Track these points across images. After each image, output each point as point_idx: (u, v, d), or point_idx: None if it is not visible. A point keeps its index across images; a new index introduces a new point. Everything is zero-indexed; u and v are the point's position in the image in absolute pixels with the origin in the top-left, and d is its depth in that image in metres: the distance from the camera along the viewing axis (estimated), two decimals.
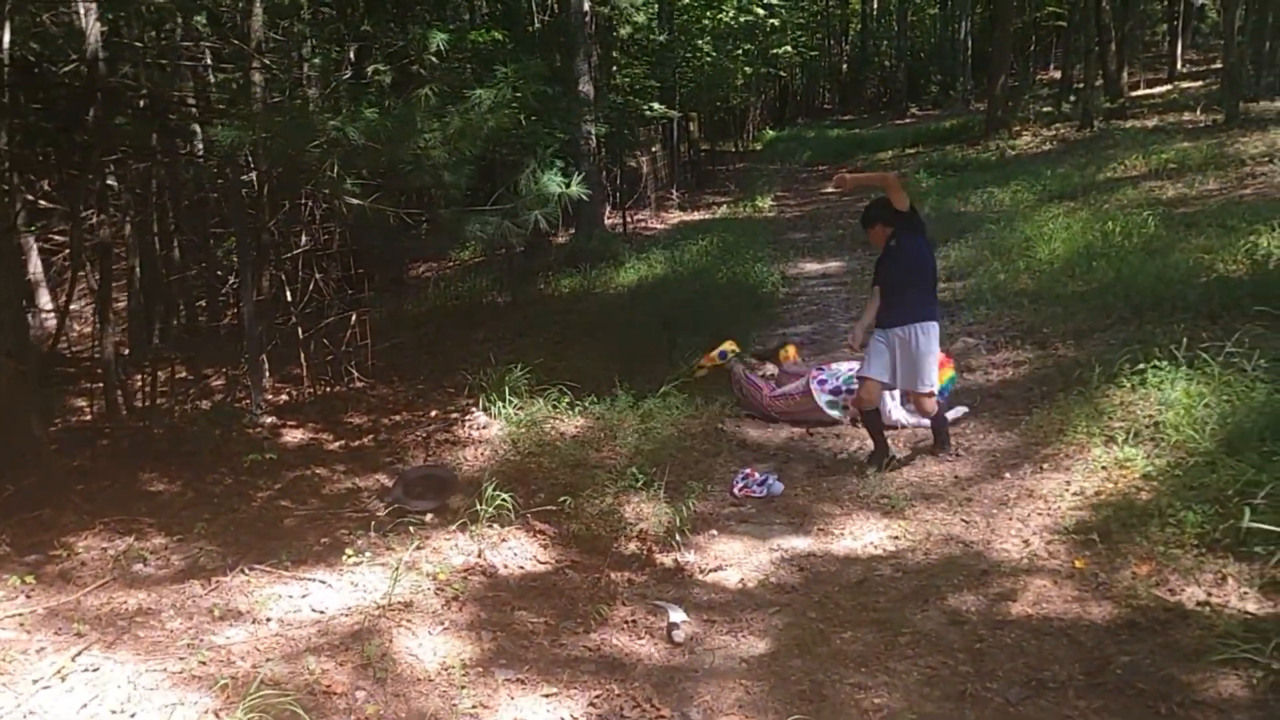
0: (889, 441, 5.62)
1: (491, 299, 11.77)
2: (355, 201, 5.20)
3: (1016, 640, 3.59)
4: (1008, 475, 5.09)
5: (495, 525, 4.80)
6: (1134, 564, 3.88)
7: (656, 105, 17.13)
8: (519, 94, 4.85)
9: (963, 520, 4.68)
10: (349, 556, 4.38)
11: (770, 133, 35.03)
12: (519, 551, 4.65)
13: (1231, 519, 3.87)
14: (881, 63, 42.14)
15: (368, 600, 4.05)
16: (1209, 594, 3.58)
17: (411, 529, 4.73)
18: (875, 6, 42.31)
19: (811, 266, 12.23)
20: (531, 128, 10.71)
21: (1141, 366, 5.67)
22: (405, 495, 5.07)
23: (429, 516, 4.96)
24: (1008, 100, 23.60)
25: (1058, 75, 32.43)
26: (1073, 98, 24.17)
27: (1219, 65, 30.41)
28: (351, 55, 8.08)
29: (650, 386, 7.00)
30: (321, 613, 3.97)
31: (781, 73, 34.91)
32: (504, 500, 4.81)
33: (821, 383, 6.63)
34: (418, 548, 4.54)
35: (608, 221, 15.81)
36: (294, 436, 6.40)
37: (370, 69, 6.24)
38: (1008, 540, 4.40)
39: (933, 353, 5.38)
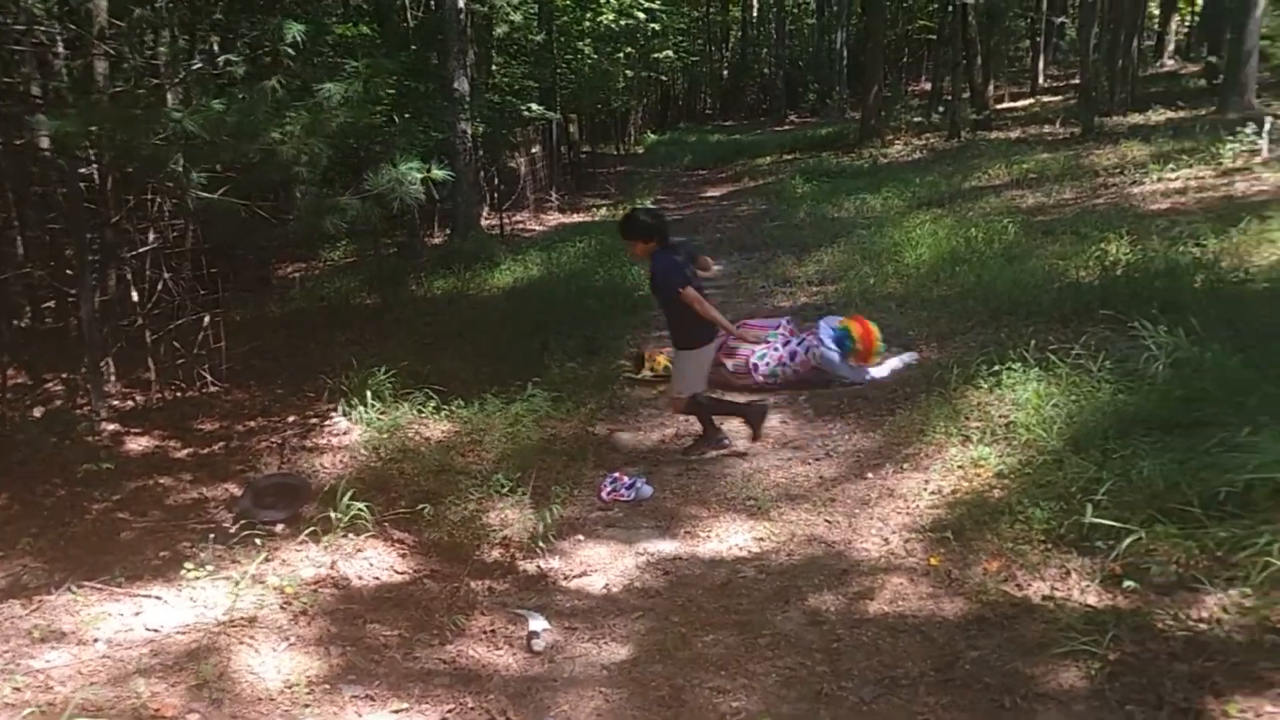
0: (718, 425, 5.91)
1: (360, 300, 11.43)
2: (203, 195, 4.92)
3: (872, 638, 3.61)
4: (870, 475, 5.15)
5: (350, 535, 4.62)
6: (985, 560, 3.95)
7: (535, 106, 16.95)
8: (375, 89, 4.65)
9: (826, 520, 4.71)
10: (189, 571, 4.13)
11: (652, 136, 35.23)
12: (375, 562, 4.47)
13: (1075, 515, 3.98)
14: (761, 70, 42.87)
15: (208, 616, 3.83)
16: (1053, 588, 3.66)
17: (259, 541, 4.49)
18: (755, 15, 43.00)
19: None
20: (403, 124, 10.48)
21: (997, 368, 5.84)
22: (254, 505, 4.82)
23: (279, 527, 4.73)
24: (881, 110, 24.26)
25: (928, 87, 33.59)
26: (941, 109, 24.97)
27: (1077, 81, 32.05)
28: (214, 46, 7.72)
29: (520, 389, 6.88)
30: (156, 631, 3.73)
31: (663, 77, 35.24)
32: (360, 510, 4.62)
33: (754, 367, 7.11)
34: (265, 560, 4.33)
35: (485, 222, 15.58)
36: (138, 444, 6.04)
37: (221, 59, 5.94)
38: (868, 539, 4.44)
39: (681, 372, 5.81)
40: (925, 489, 4.80)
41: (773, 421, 6.31)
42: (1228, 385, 4.67)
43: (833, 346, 6.91)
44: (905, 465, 5.16)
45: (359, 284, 12.04)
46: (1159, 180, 12.89)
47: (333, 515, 4.62)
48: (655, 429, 6.48)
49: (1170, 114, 19.79)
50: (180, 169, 5.02)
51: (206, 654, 3.54)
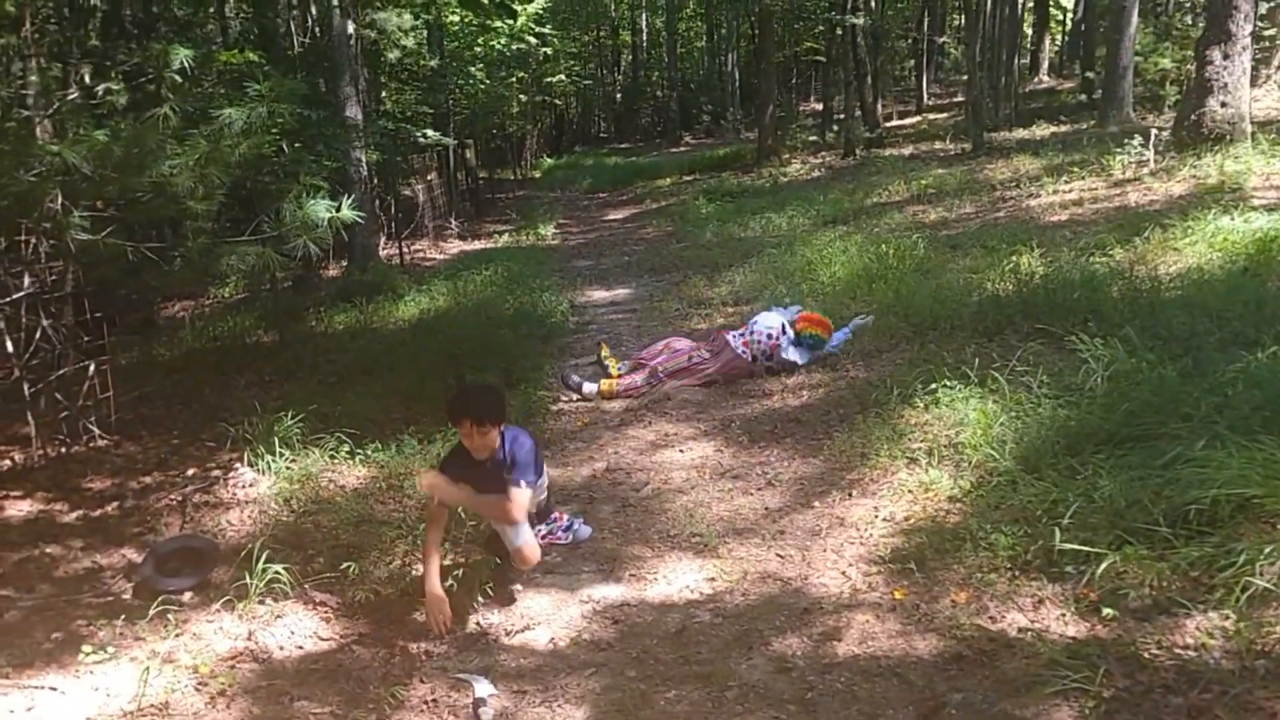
0: None
1: (257, 338, 10.85)
2: (84, 236, 4.48)
3: (847, 684, 3.40)
4: (817, 504, 4.97)
5: (268, 600, 4.22)
6: (952, 592, 3.79)
7: (431, 132, 16.55)
8: (276, 115, 4.29)
9: (778, 555, 4.50)
10: (88, 654, 3.68)
11: (548, 160, 35.03)
12: (297, 629, 4.08)
13: (1041, 539, 3.86)
14: (654, 92, 43.14)
15: (112, 707, 3.41)
16: (1029, 620, 3.52)
17: (167, 614, 4.07)
18: (645, 39, 43.27)
19: (599, 294, 12.04)
20: (295, 154, 10.00)
21: (934, 387, 5.75)
22: (156, 573, 4.37)
23: (187, 596, 4.30)
24: (777, 129, 24.56)
25: (819, 106, 34.22)
26: (835, 127, 25.41)
27: (960, 99, 33.03)
28: (86, 76, 7.20)
29: (439, 428, 6.52)
30: None
31: (557, 101, 35.09)
32: (278, 572, 4.22)
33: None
34: (175, 635, 3.90)
35: (383, 252, 15.09)
36: (19, 509, 5.48)
37: (101, 88, 5.47)
38: (825, 574, 4.25)
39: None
40: (877, 516, 4.64)
41: (706, 450, 6.12)
42: (1168, 396, 4.64)
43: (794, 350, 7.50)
44: (852, 491, 4.99)
45: (254, 321, 11.44)
46: (1054, 193, 13.19)
47: (247, 579, 4.21)
48: (584, 464, 6.19)
49: (1054, 128, 20.47)
50: (58, 207, 4.55)
51: None
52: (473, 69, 20.95)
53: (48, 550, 4.86)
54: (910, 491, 4.74)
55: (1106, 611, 3.38)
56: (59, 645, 3.83)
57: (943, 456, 4.99)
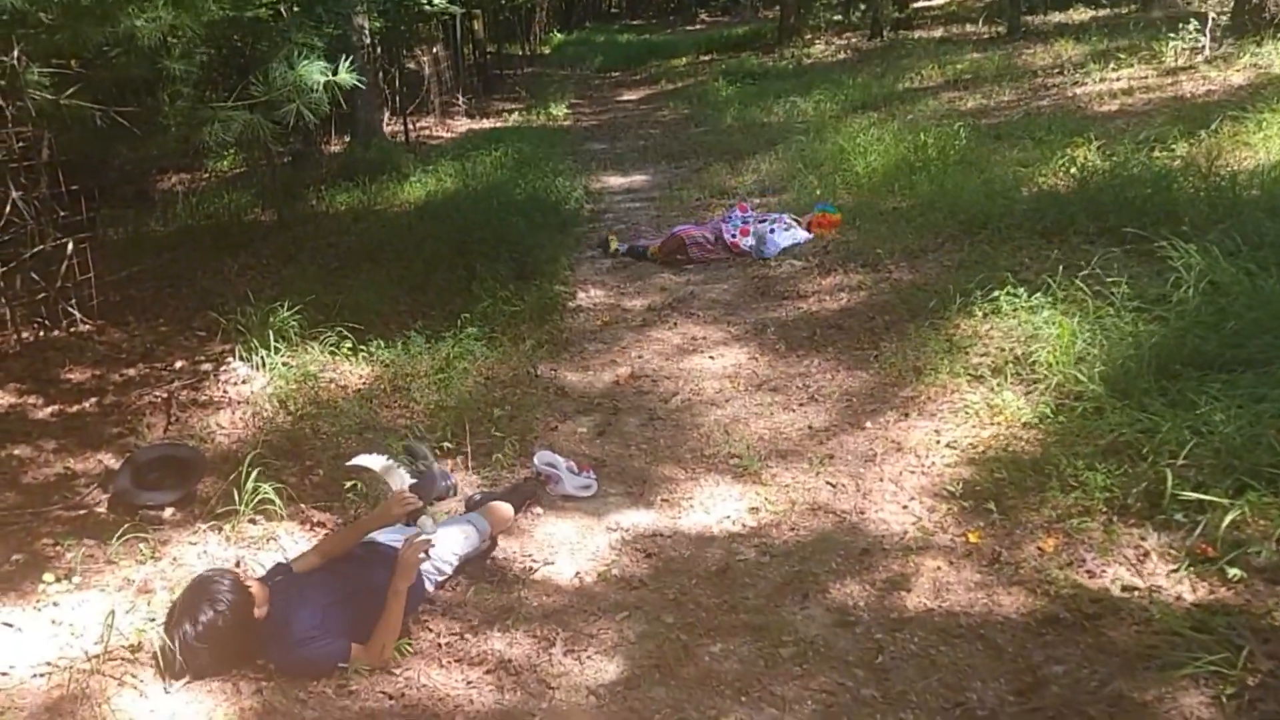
0: None
1: (254, 216, 10.24)
2: (45, 97, 3.87)
3: (922, 646, 2.95)
4: (868, 424, 4.47)
5: (259, 520, 3.76)
6: (1039, 538, 3.32)
7: None
8: None
9: (828, 483, 4.02)
10: (49, 583, 3.23)
11: (559, 36, 33.66)
12: (294, 552, 3.63)
13: (1143, 480, 3.36)
14: None
15: (75, 648, 2.96)
16: (1135, 576, 3.05)
17: (144, 533, 3.62)
18: None
19: (615, 180, 11.37)
20: (294, 18, 9.21)
21: (994, 293, 5.19)
22: (134, 485, 3.91)
23: (168, 512, 3.84)
24: (800, 7, 23.32)
25: None
26: (864, 7, 24.11)
27: None
28: None
29: (448, 324, 6.01)
30: (3, 675, 2.85)
31: None
32: (268, 491, 3.75)
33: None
34: (152, 559, 3.45)
35: (388, 129, 14.30)
36: None
37: None
38: (883, 507, 3.77)
39: None
40: (938, 441, 4.14)
41: (739, 357, 5.61)
42: (1276, 312, 4.08)
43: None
44: (908, 411, 4.48)
45: (251, 198, 10.81)
46: (1101, 81, 12.37)
47: (236, 495, 3.75)
48: (606, 368, 5.69)
49: (1092, 12, 19.34)
50: (13, 62, 3.93)
51: (73, 704, 2.70)
52: None
53: (15, 452, 4.40)
54: (976, 414, 4.23)
55: (1232, 572, 2.90)
56: (19, 570, 3.38)
57: (1007, 374, 4.47)
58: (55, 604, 3.16)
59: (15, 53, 3.96)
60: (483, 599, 3.42)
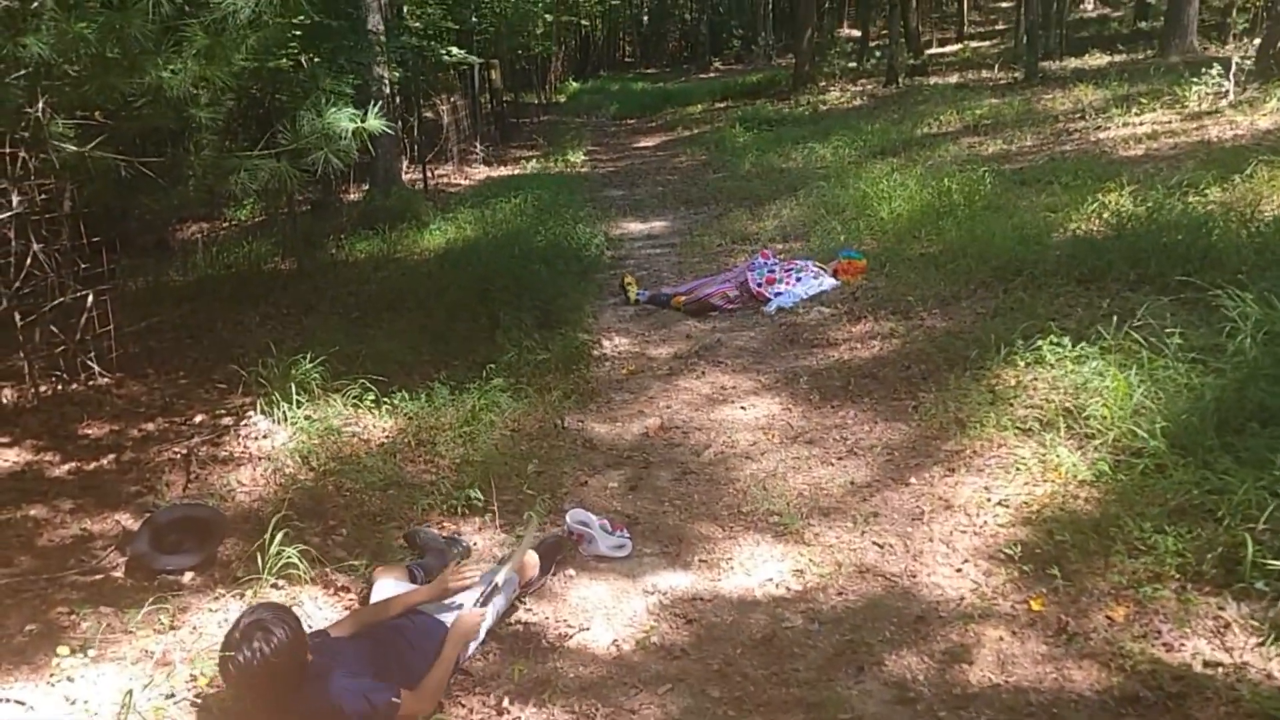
0: None
1: (274, 266, 10.18)
2: (69, 148, 3.78)
3: None
4: (913, 480, 4.30)
5: (281, 583, 3.60)
6: (1107, 605, 3.13)
7: (455, 49, 15.66)
8: (292, 7, 3.54)
9: (875, 544, 3.84)
10: (64, 655, 3.08)
11: (574, 84, 33.95)
12: (318, 619, 3.47)
13: (1219, 544, 3.18)
14: (682, 15, 41.67)
15: None
16: (1216, 649, 2.85)
17: (163, 602, 3.46)
18: None
19: (635, 226, 11.30)
20: (314, 69, 9.23)
21: (1037, 342, 5.04)
22: (153, 548, 3.76)
23: (187, 576, 3.69)
24: (814, 55, 23.45)
25: (855, 33, 32.90)
26: (879, 53, 24.24)
27: (1002, 26, 31.69)
28: None
29: (472, 374, 5.88)
30: None
31: (583, 22, 33.81)
32: (291, 555, 3.59)
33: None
34: (171, 629, 3.29)
35: (406, 177, 14.30)
36: (4, 459, 4.88)
37: None
38: (935, 570, 3.59)
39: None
40: (989, 499, 3.96)
41: (772, 408, 5.46)
42: None
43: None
44: (955, 466, 4.31)
45: (271, 247, 10.77)
46: (1124, 125, 12.31)
47: (259, 559, 3.60)
48: (634, 418, 5.54)
49: (1109, 57, 19.38)
50: (39, 115, 3.85)
51: None
52: None
53: (31, 512, 4.25)
54: (1028, 470, 4.06)
55: None
56: (32, 641, 3.23)
57: (1058, 427, 4.30)
58: (70, 679, 2.99)
59: (40, 105, 3.87)
60: (516, 670, 3.24)
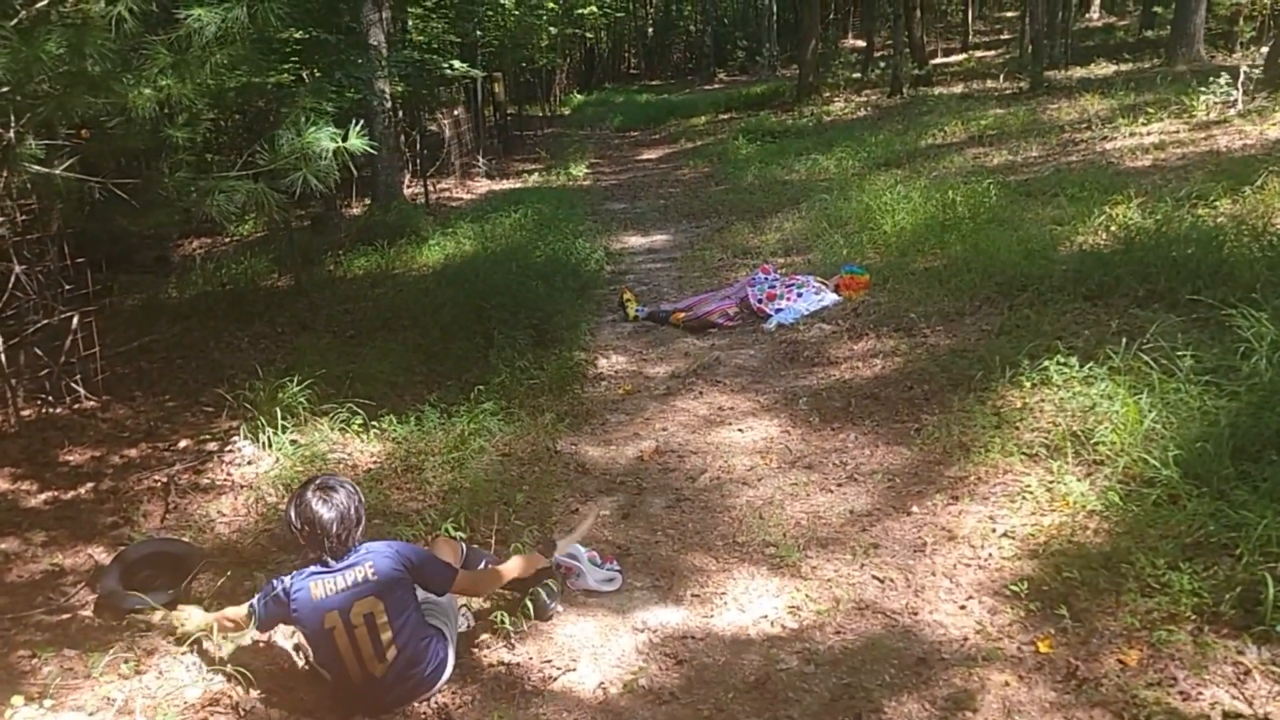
0: None
1: (271, 283, 10.06)
2: (36, 168, 3.65)
3: None
4: (915, 509, 4.13)
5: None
6: (1119, 649, 2.96)
7: (458, 63, 15.57)
8: (261, 19, 3.39)
9: (875, 577, 3.68)
10: (18, 706, 2.93)
11: (578, 96, 33.91)
12: (288, 663, 3.32)
13: (1237, 583, 3.01)
14: (687, 27, 41.68)
15: None
16: (1236, 699, 2.69)
17: (137, 638, 3.32)
18: None
19: (636, 240, 11.17)
20: (315, 83, 9.12)
21: (1044, 362, 4.88)
22: (124, 584, 3.61)
23: (158, 615, 3.54)
24: (818, 66, 23.32)
25: (860, 44, 32.78)
26: (883, 64, 24.12)
27: (1007, 36, 31.57)
28: None
29: (464, 396, 5.74)
30: None
31: (587, 34, 33.79)
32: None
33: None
34: (136, 673, 3.15)
35: (408, 191, 14.21)
36: None
37: None
38: (938, 607, 3.43)
39: None
40: (994, 530, 3.80)
41: (770, 430, 5.31)
42: None
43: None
44: (958, 494, 4.15)
45: (269, 263, 10.65)
46: (1131, 135, 12.14)
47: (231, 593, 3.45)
48: (629, 441, 5.39)
49: (1115, 67, 19.20)
50: (10, 136, 3.73)
51: None
52: None
53: (3, 546, 4.11)
54: (1034, 498, 3.89)
55: None
56: None
57: (1064, 452, 4.13)
58: None
59: (12, 124, 3.75)
60: (496, 716, 3.08)
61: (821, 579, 3.73)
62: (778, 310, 7.28)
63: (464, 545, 3.74)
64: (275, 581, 3.13)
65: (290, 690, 3.21)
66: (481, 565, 3.66)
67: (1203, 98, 12.42)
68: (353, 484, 3.23)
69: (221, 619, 3.28)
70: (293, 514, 3.07)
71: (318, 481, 3.15)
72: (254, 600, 3.18)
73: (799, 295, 7.40)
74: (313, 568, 3.09)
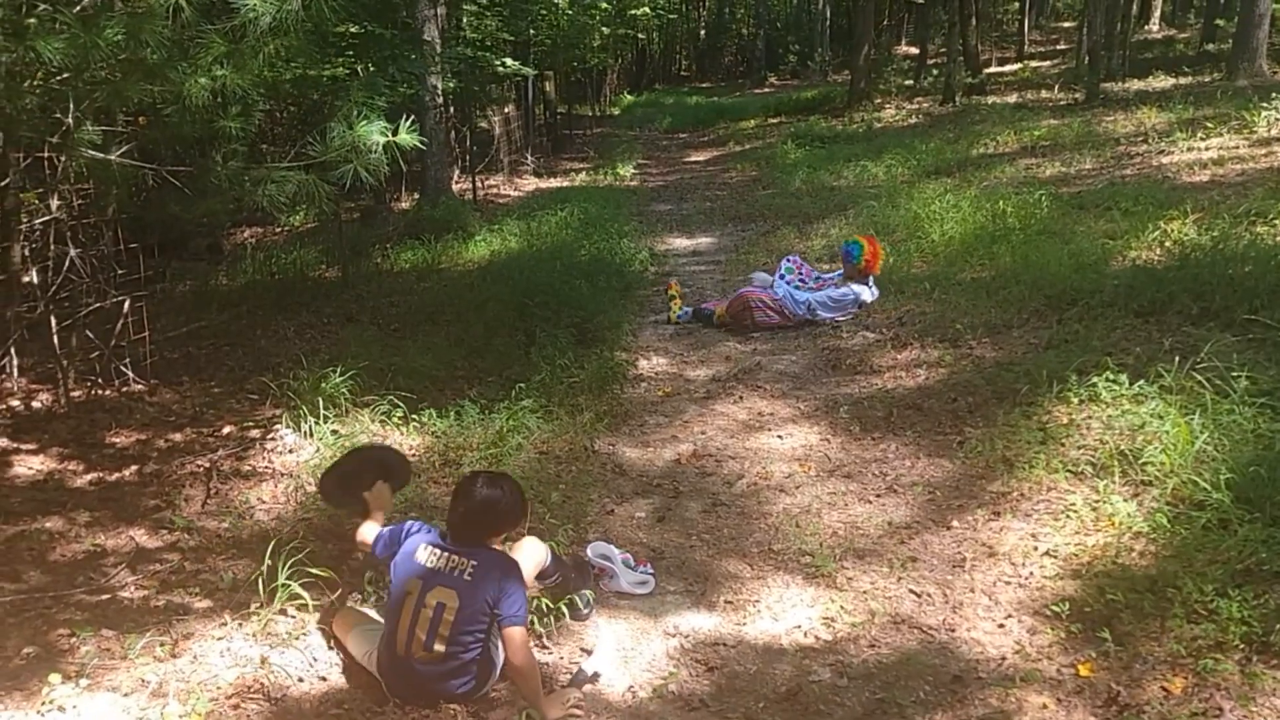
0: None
1: (319, 274, 10.18)
2: (93, 154, 3.71)
3: None
4: (955, 523, 4.07)
5: (289, 610, 3.48)
6: (1163, 675, 2.89)
7: (510, 61, 15.64)
8: (315, 10, 3.41)
9: (912, 591, 3.63)
10: (56, 684, 2.96)
11: (628, 97, 33.98)
12: (321, 654, 3.34)
13: None
14: (739, 30, 41.58)
15: None
16: None
17: (173, 623, 3.36)
18: None
19: (681, 242, 11.14)
20: (369, 78, 9.20)
21: (1093, 379, 4.78)
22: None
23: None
24: (870, 72, 23.13)
25: (913, 50, 32.50)
26: (935, 72, 23.89)
27: (1063, 46, 31.10)
28: None
29: (503, 393, 5.75)
30: None
31: (639, 35, 33.81)
32: (296, 588, 3.46)
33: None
34: (171, 656, 3.18)
35: (456, 187, 14.29)
36: (28, 466, 4.83)
37: None
38: (976, 625, 3.37)
39: None
40: (1036, 548, 3.73)
41: (810, 438, 5.26)
42: None
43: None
44: (1000, 510, 4.08)
45: (318, 255, 10.77)
46: (1189, 150, 11.89)
47: (275, 581, 3.48)
48: (667, 443, 5.37)
49: (1173, 80, 18.84)
50: (69, 121, 3.79)
51: None
52: None
53: (47, 525, 4.18)
54: (1078, 517, 3.82)
55: None
56: (29, 664, 3.13)
57: (1112, 471, 4.05)
58: (61, 708, 2.88)
59: (70, 109, 3.82)
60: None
61: (857, 591, 3.68)
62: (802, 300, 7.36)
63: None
64: (409, 524, 3.34)
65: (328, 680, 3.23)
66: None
67: (1264, 113, 12.14)
68: (520, 500, 3.29)
69: (359, 538, 3.55)
70: (462, 482, 3.27)
71: (495, 472, 3.36)
72: (384, 530, 3.39)
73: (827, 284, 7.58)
74: (436, 534, 3.24)
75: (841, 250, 7.79)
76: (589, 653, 3.40)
